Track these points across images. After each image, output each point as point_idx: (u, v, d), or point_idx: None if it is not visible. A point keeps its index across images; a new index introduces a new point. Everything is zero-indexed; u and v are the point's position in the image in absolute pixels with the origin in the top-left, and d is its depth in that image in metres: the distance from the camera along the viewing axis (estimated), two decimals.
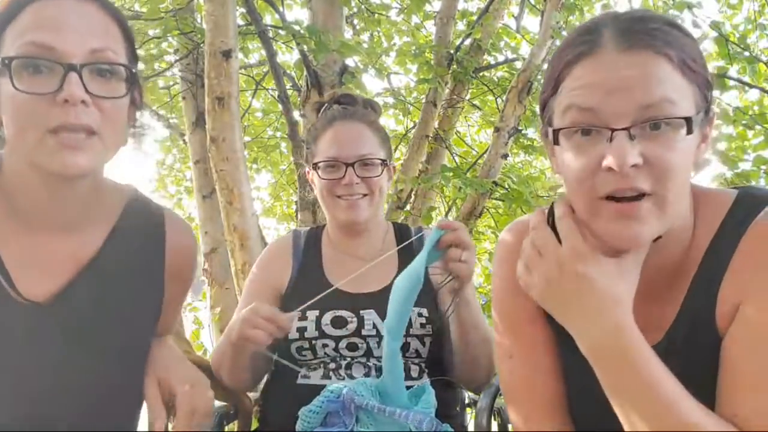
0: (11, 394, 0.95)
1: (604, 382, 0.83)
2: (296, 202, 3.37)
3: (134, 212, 1.10)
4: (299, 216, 3.14)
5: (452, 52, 4.02)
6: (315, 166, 1.55)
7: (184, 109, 3.96)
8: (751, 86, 3.97)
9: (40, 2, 0.91)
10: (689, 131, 0.81)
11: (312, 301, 1.33)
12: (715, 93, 0.90)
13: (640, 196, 0.81)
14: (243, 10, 3.19)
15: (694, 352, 0.87)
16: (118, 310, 1.04)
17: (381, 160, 1.54)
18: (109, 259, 1.04)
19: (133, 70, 0.97)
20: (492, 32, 4.36)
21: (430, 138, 4.07)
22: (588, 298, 0.84)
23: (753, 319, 0.81)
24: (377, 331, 1.42)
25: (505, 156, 3.82)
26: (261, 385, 1.59)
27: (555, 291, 0.87)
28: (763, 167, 3.52)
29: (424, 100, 4.16)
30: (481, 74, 4.36)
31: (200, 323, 4.36)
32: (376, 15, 4.63)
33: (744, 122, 3.72)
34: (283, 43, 3.93)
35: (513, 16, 4.66)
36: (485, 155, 3.91)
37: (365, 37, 4.87)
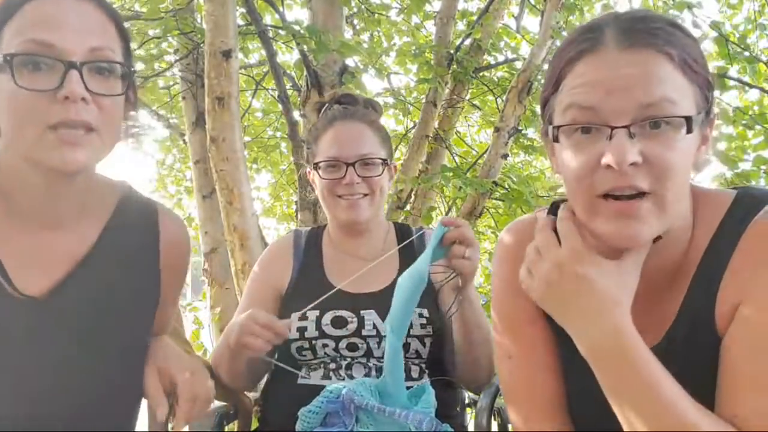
0: (9, 389, 0.96)
1: (603, 382, 0.83)
2: (296, 202, 3.37)
3: (128, 207, 1.11)
4: (299, 216, 3.14)
5: (452, 52, 4.02)
6: (316, 166, 1.55)
7: (184, 109, 3.95)
8: (751, 86, 3.97)
9: (39, 0, 0.92)
10: (689, 130, 0.81)
11: (315, 302, 1.33)
12: (715, 93, 0.90)
13: (640, 195, 0.81)
14: (243, 10, 3.19)
15: (693, 353, 0.87)
16: (115, 304, 1.05)
17: (382, 159, 1.54)
18: (104, 254, 1.05)
19: (131, 69, 0.99)
20: (492, 32, 4.35)
21: (430, 138, 4.07)
22: (587, 299, 0.84)
23: (753, 318, 0.81)
24: (377, 331, 1.42)
25: (505, 156, 3.82)
26: (261, 385, 1.59)
27: (554, 292, 0.87)
28: (763, 167, 3.52)
29: (424, 100, 4.15)
30: (481, 74, 4.35)
31: (200, 323, 4.35)
32: (376, 15, 4.63)
33: (744, 122, 3.71)
34: (283, 43, 3.93)
35: (513, 16, 4.65)
36: (485, 155, 3.91)
37: (365, 37, 4.87)
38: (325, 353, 1.43)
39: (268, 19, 4.09)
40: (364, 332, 1.42)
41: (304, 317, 1.42)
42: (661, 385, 0.79)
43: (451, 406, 1.49)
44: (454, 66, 4.02)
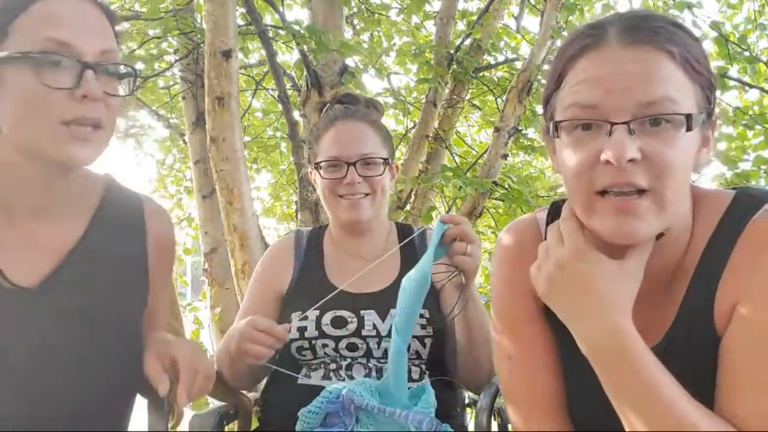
0: (1, 377, 0.97)
1: (604, 382, 0.83)
2: (296, 202, 3.36)
3: (113, 199, 1.16)
4: (299, 216, 3.14)
5: (452, 52, 4.02)
6: (317, 166, 1.55)
7: (184, 109, 3.95)
8: (751, 86, 3.97)
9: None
10: (689, 128, 0.80)
11: (319, 303, 1.34)
12: (716, 94, 0.90)
13: (639, 192, 0.81)
14: (243, 10, 3.18)
15: (693, 352, 0.87)
16: (105, 293, 1.07)
17: (383, 159, 1.54)
18: (93, 244, 1.08)
19: (136, 71, 1.05)
20: (492, 32, 4.35)
21: (430, 138, 4.06)
22: (588, 298, 0.84)
23: (751, 318, 0.81)
24: (377, 331, 1.42)
25: (505, 156, 3.81)
26: (261, 385, 1.59)
27: (557, 290, 0.88)
28: (763, 167, 3.52)
29: (424, 100, 4.15)
30: (481, 74, 4.35)
31: (200, 323, 4.35)
32: (376, 15, 4.62)
33: (744, 122, 3.72)
34: (283, 43, 3.92)
35: (513, 16, 4.64)
36: (485, 155, 3.91)
37: (365, 37, 4.86)
38: (324, 353, 1.43)
39: (268, 19, 4.09)
40: (363, 332, 1.42)
41: (304, 317, 1.42)
42: (661, 385, 0.79)
43: (451, 406, 1.48)
44: (454, 66, 4.01)
